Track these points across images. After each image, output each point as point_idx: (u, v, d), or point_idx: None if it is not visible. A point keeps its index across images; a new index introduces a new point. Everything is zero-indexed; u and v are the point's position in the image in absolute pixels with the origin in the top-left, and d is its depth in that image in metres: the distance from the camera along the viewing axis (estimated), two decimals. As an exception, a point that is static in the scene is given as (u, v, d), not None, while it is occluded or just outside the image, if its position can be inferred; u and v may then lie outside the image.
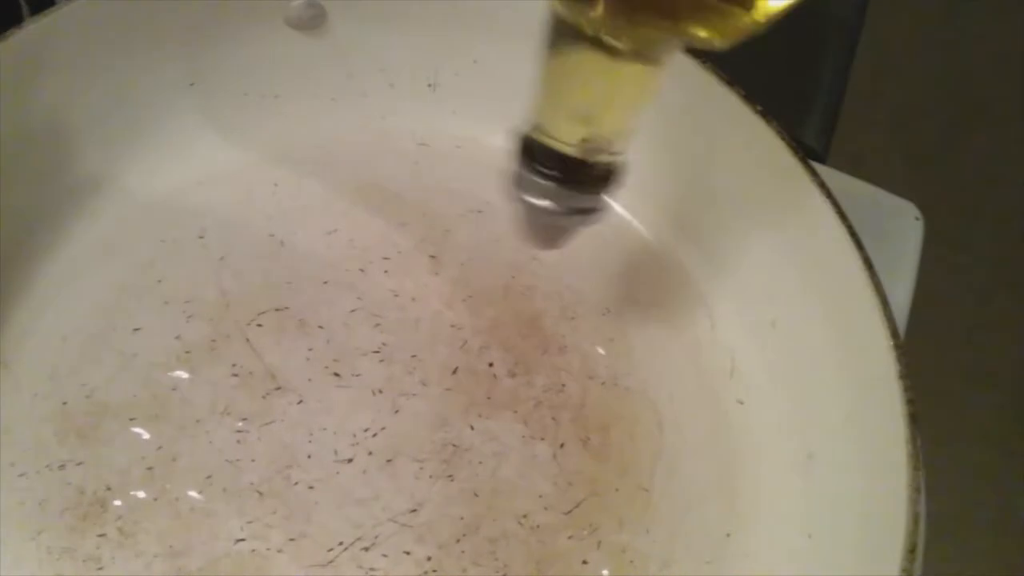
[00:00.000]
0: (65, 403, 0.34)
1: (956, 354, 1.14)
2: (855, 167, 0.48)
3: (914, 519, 0.25)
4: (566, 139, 0.25)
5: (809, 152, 0.44)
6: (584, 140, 0.25)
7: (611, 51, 0.22)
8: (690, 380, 0.36)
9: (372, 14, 0.39)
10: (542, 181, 0.26)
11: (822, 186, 0.32)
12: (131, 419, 0.34)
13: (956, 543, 1.00)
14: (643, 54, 0.23)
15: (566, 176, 0.26)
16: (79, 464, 0.33)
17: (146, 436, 0.33)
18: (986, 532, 1.06)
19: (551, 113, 0.26)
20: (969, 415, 1.12)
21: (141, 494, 0.32)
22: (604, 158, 0.26)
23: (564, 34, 0.23)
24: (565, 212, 0.27)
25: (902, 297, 0.40)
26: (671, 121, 0.37)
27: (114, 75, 0.38)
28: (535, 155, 0.26)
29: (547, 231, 0.30)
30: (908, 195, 0.46)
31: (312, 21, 0.39)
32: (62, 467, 0.33)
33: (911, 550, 0.25)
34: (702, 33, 0.20)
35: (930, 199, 0.49)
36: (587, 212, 0.28)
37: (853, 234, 0.31)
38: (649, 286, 0.38)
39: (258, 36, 0.39)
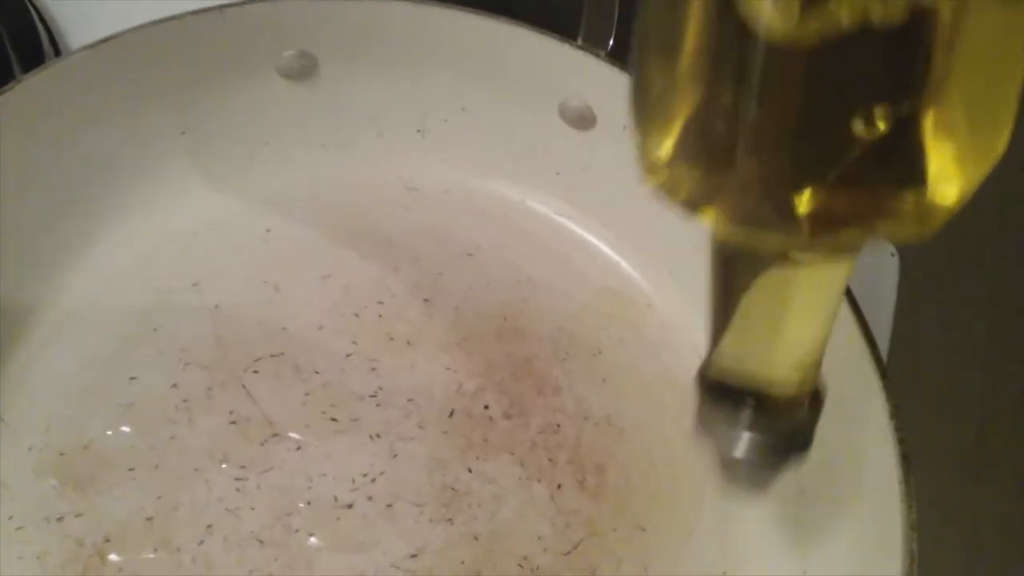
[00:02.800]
0: (62, 454, 0.34)
1: (928, 381, 1.16)
2: None
3: (910, 557, 0.26)
4: (761, 375, 0.22)
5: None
6: (782, 370, 0.22)
7: (796, 263, 0.20)
8: (682, 419, 0.37)
9: (362, 63, 0.40)
10: (736, 426, 0.23)
11: (808, 231, 0.33)
12: (129, 469, 0.34)
13: (927, 570, 1.02)
14: (833, 256, 0.20)
15: (764, 416, 0.23)
16: (78, 516, 0.33)
17: (145, 486, 0.33)
18: (956, 558, 1.08)
19: (741, 350, 0.22)
20: (942, 443, 1.13)
21: (141, 545, 0.32)
22: (796, 392, 0.23)
23: (741, 262, 0.21)
24: (769, 455, 0.24)
25: (881, 334, 0.41)
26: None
27: (106, 126, 0.38)
28: (723, 397, 0.23)
29: (752, 476, 0.26)
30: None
31: (304, 71, 0.40)
32: (60, 519, 0.33)
33: (908, 587, 0.26)
34: (902, 229, 0.18)
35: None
36: (794, 450, 0.24)
37: (839, 277, 0.32)
38: (639, 327, 0.39)
39: (250, 85, 0.40)
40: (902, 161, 0.17)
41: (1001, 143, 0.17)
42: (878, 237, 0.18)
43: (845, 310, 0.31)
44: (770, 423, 0.23)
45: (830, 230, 0.18)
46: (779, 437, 0.23)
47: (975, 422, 1.17)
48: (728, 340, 0.22)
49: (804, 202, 0.17)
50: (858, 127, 0.16)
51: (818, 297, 0.21)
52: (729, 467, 0.25)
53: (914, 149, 0.17)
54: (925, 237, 0.18)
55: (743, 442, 0.23)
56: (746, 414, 0.23)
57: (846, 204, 0.17)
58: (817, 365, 0.23)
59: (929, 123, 0.17)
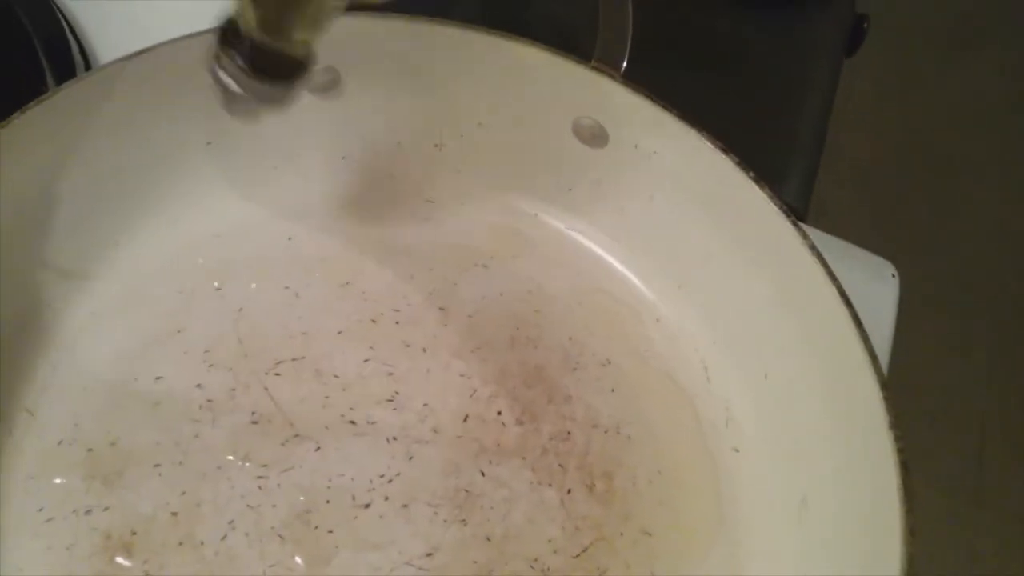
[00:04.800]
0: (90, 450, 0.35)
1: (927, 405, 1.17)
2: (818, 219, 0.51)
3: (909, 560, 0.27)
4: (253, 26, 0.28)
5: (790, 211, 0.47)
6: (268, 29, 0.29)
7: None
8: (688, 429, 0.38)
9: (384, 79, 0.41)
10: (235, 65, 0.30)
11: (812, 248, 0.34)
12: (155, 465, 0.35)
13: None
14: None
15: (256, 63, 0.29)
16: (105, 509, 0.34)
17: (170, 482, 0.35)
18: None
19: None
20: (941, 467, 1.14)
21: (166, 539, 0.34)
22: (290, 50, 0.30)
23: None
24: (253, 97, 0.31)
25: (881, 353, 0.42)
26: (671, 185, 0.39)
27: (135, 136, 0.39)
28: (232, 39, 0.29)
29: (238, 109, 0.33)
30: (873, 248, 0.48)
31: (327, 85, 0.41)
32: (88, 512, 0.34)
33: (906, 589, 0.27)
34: None
35: (895, 251, 0.52)
36: (274, 100, 0.31)
37: (842, 294, 0.33)
38: (648, 339, 0.40)
39: (275, 98, 0.41)
40: None
41: None
42: None
43: (847, 324, 0.33)
44: (257, 69, 0.30)
45: None
46: (262, 83, 0.30)
47: (974, 445, 1.18)
48: None
49: None
50: None
51: None
52: (230, 100, 0.31)
53: None
54: None
55: (237, 79, 0.30)
56: (247, 54, 0.29)
57: None
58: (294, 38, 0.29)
59: None
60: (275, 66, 0.30)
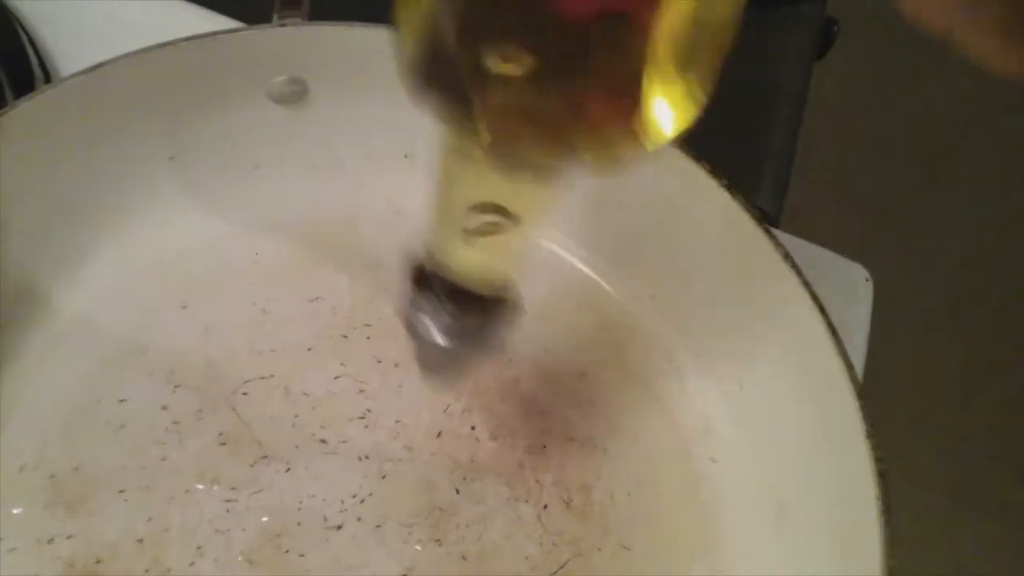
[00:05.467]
0: (53, 476, 0.34)
1: (903, 402, 1.18)
2: (791, 224, 0.51)
3: (887, 572, 0.27)
4: (458, 260, 0.25)
5: (763, 216, 0.46)
6: (476, 267, 0.25)
7: (501, 169, 0.22)
8: (665, 440, 0.38)
9: (352, 89, 0.41)
10: (435, 314, 0.26)
11: (786, 256, 0.34)
12: (120, 491, 0.34)
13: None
14: (534, 174, 0.22)
15: (459, 307, 0.26)
16: (69, 537, 0.33)
17: (136, 508, 0.34)
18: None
19: (445, 232, 0.25)
20: (919, 463, 1.15)
21: (132, 567, 0.33)
22: (495, 290, 0.27)
23: (456, 153, 0.23)
24: (458, 346, 0.28)
25: (856, 357, 0.42)
26: (643, 194, 0.39)
27: (96, 151, 0.38)
28: (430, 285, 0.26)
29: (440, 364, 0.31)
30: (848, 252, 0.48)
31: (294, 96, 0.40)
32: (51, 541, 0.33)
33: (886, 601, 0.27)
34: (590, 159, 0.20)
35: (870, 255, 0.52)
36: (480, 346, 0.28)
37: (816, 301, 0.33)
38: (623, 350, 0.40)
39: (239, 110, 0.40)
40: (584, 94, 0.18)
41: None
42: (564, 161, 0.20)
43: (821, 332, 0.32)
44: (464, 315, 0.26)
45: (512, 144, 0.20)
46: (471, 330, 0.27)
47: (951, 445, 1.19)
48: (437, 223, 0.25)
49: (483, 106, 0.19)
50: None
51: (515, 204, 0.24)
52: (427, 355, 0.29)
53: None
54: (610, 170, 0.20)
55: (442, 328, 0.27)
56: (446, 303, 0.26)
57: (523, 121, 0.19)
58: (509, 277, 0.26)
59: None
60: (476, 308, 0.27)
